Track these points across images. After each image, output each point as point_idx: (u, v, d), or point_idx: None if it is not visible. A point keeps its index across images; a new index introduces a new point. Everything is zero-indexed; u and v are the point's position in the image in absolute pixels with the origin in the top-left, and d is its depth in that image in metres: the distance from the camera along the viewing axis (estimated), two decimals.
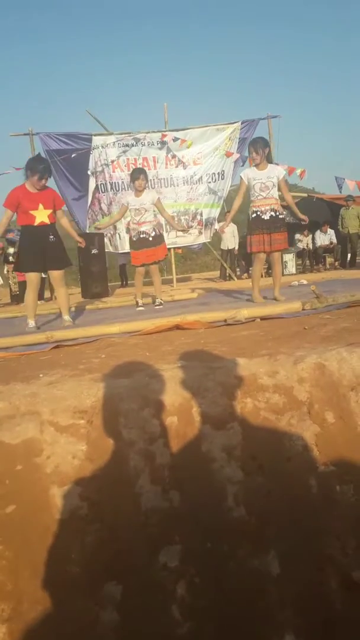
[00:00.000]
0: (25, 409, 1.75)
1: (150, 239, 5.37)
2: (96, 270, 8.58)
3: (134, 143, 9.38)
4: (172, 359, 2.21)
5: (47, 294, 9.39)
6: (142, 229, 5.35)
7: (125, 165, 9.32)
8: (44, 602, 1.41)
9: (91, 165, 9.20)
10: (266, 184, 4.57)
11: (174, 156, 9.56)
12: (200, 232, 9.93)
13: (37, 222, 4.26)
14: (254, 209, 4.64)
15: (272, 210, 4.59)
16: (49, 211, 4.31)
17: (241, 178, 4.75)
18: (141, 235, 5.35)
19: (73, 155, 8.91)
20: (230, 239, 11.39)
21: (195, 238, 9.98)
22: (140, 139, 9.38)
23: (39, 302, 5.18)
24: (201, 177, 9.76)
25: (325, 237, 12.34)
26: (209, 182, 9.83)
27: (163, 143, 9.45)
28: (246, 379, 1.84)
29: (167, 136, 9.33)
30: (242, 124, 9.75)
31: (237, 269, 11.76)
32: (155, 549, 1.50)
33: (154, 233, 5.39)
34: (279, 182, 4.62)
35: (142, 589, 1.45)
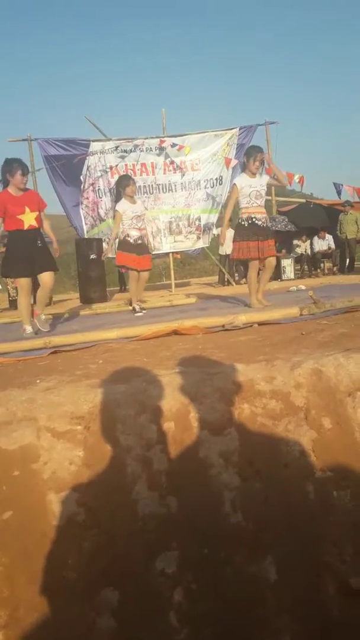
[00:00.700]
0: (22, 414, 1.75)
1: (145, 245, 5.54)
2: (94, 276, 8.59)
3: (132, 149, 9.41)
4: (169, 365, 2.21)
5: None
6: (141, 234, 5.47)
7: (123, 171, 9.35)
8: (41, 608, 1.41)
9: (84, 170, 9.22)
10: (260, 192, 4.65)
11: (172, 162, 9.60)
12: (198, 237, 9.95)
13: (26, 225, 4.19)
14: (250, 215, 4.64)
15: (264, 218, 4.70)
16: (36, 213, 4.25)
17: (235, 186, 4.71)
18: (138, 241, 5.44)
19: (75, 162, 8.93)
20: (229, 245, 11.38)
21: (193, 243, 10.00)
22: (139, 145, 9.41)
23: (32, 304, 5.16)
24: (199, 182, 9.80)
25: (323, 243, 12.38)
26: (207, 188, 9.87)
27: (161, 149, 9.48)
28: (244, 384, 1.85)
29: (166, 142, 9.36)
30: (240, 129, 9.80)
31: (236, 274, 11.77)
32: (153, 555, 1.50)
33: (145, 240, 5.57)
34: (266, 170, 4.75)
35: (139, 595, 1.45)
